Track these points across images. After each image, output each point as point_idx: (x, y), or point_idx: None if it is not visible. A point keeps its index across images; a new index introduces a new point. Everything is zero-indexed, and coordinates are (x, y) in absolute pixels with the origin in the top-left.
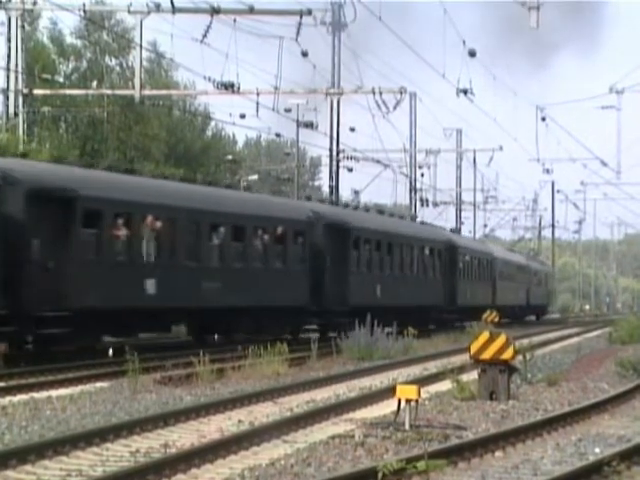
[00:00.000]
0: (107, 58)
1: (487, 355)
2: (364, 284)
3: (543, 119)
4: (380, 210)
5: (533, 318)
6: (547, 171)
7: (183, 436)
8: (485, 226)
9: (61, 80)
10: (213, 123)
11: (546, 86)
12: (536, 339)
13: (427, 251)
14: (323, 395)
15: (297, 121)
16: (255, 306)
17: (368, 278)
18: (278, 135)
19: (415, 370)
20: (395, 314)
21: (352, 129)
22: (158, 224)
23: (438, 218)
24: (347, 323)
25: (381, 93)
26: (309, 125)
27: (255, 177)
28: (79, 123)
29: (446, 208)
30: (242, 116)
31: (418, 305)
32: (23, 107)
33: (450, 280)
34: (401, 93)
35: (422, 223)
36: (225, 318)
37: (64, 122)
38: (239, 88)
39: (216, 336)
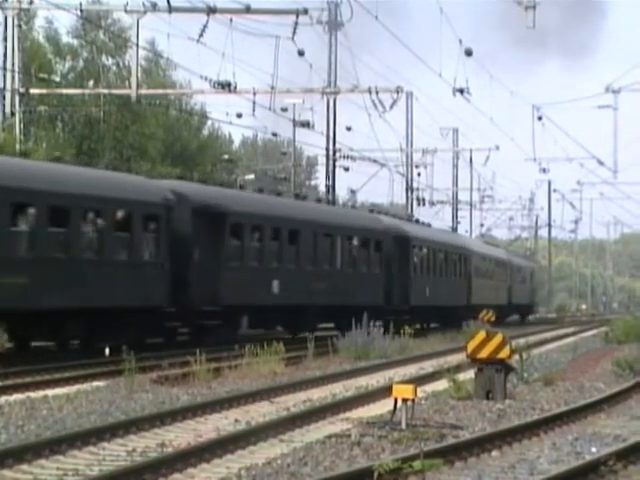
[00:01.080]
0: (104, 57)
1: (484, 354)
2: (249, 278)
3: (539, 118)
4: (278, 193)
5: (525, 320)
6: (543, 170)
7: (180, 435)
8: (482, 225)
9: (58, 79)
10: (209, 122)
11: (543, 85)
12: (532, 338)
13: (356, 242)
14: (320, 394)
15: (293, 120)
16: (86, 307)
17: (256, 272)
18: (274, 134)
19: (411, 369)
20: (297, 314)
21: (348, 128)
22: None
23: (435, 217)
24: (218, 326)
25: (377, 92)
26: (305, 124)
27: (252, 176)
28: (76, 122)
29: (443, 207)
30: (239, 115)
31: (341, 305)
32: (20, 106)
33: (398, 276)
34: (397, 92)
35: (371, 211)
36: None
37: (61, 121)
38: (235, 87)
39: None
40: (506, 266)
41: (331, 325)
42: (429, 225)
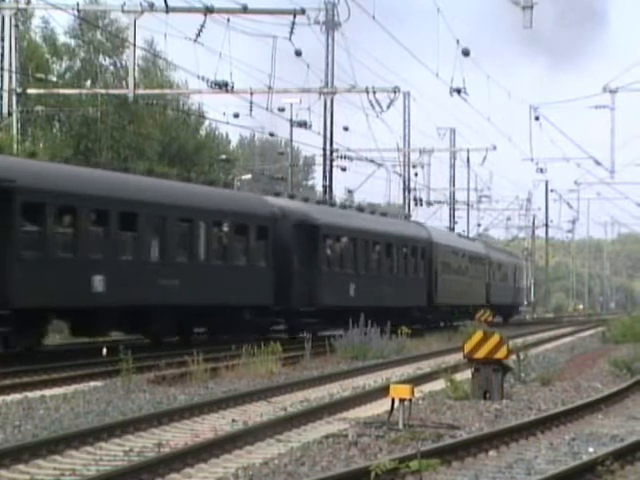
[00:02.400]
0: (101, 57)
1: (481, 354)
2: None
3: (537, 118)
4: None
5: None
6: (541, 170)
7: (177, 435)
8: (479, 225)
9: (55, 79)
10: (207, 122)
11: (540, 85)
12: (530, 338)
13: (227, 227)
14: (317, 394)
15: (291, 120)
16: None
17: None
18: (272, 134)
19: (409, 369)
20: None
21: (346, 128)
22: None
23: (432, 217)
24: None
25: (375, 92)
26: (303, 124)
27: (249, 176)
28: (73, 122)
29: (440, 207)
30: (236, 115)
31: (204, 305)
32: (17, 106)
33: (301, 272)
34: (395, 92)
35: (277, 194)
36: None
37: (58, 121)
38: (233, 87)
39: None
40: (484, 262)
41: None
42: (384, 214)
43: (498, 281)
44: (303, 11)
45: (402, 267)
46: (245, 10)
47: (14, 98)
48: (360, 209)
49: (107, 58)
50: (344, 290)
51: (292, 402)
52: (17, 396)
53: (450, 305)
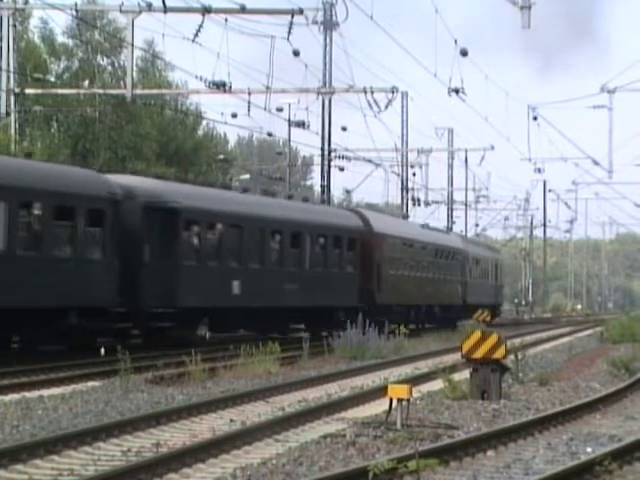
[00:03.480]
0: (99, 57)
1: (479, 354)
2: None
3: (535, 118)
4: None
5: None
6: (539, 170)
7: (175, 435)
8: (477, 225)
9: (53, 79)
10: (205, 122)
11: (538, 85)
12: (528, 338)
13: (40, 211)
14: (315, 394)
15: (289, 120)
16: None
17: None
18: (270, 134)
19: (407, 369)
20: None
21: (344, 128)
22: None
23: (430, 217)
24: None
25: (373, 92)
26: (301, 124)
27: (247, 176)
28: (71, 122)
29: (438, 207)
30: (234, 115)
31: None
32: (15, 106)
33: (156, 265)
34: (392, 92)
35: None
36: None
37: (56, 121)
38: (231, 87)
39: None
40: (459, 257)
41: None
42: (306, 199)
43: (477, 278)
44: (301, 11)
45: (318, 261)
46: (243, 10)
47: (12, 98)
48: (269, 193)
49: (105, 58)
50: (223, 288)
51: (290, 402)
52: (15, 396)
53: (405, 305)
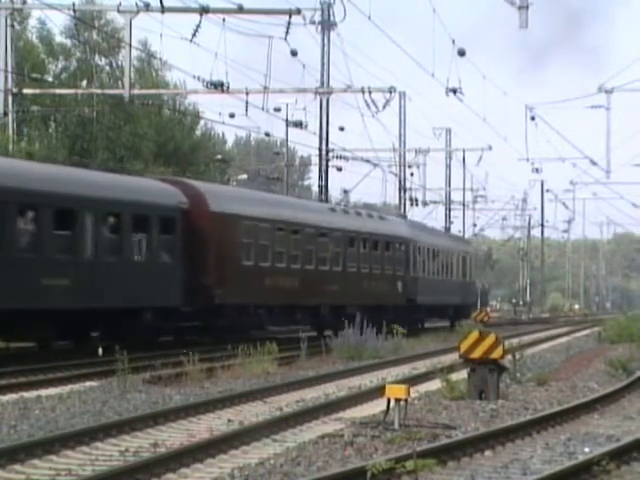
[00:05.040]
0: (97, 57)
1: (477, 354)
2: None
3: (532, 118)
4: None
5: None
6: (536, 170)
7: (173, 435)
8: (474, 225)
9: (50, 79)
10: (202, 122)
11: (535, 85)
12: (526, 338)
13: None
14: (312, 394)
15: (286, 120)
16: None
17: None
18: (267, 134)
19: (404, 369)
20: None
21: (341, 128)
22: None
23: (427, 217)
24: None
25: (370, 92)
26: (298, 124)
27: (244, 176)
28: (69, 122)
29: (436, 207)
30: (231, 115)
31: None
32: (12, 106)
33: None
34: (390, 92)
35: None
36: None
37: (54, 121)
38: (228, 87)
39: None
40: (396, 246)
41: None
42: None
43: (433, 274)
44: (299, 11)
45: (106, 247)
46: (241, 10)
47: (10, 98)
48: None
49: (103, 58)
50: None
51: (288, 402)
52: (13, 396)
53: (280, 306)
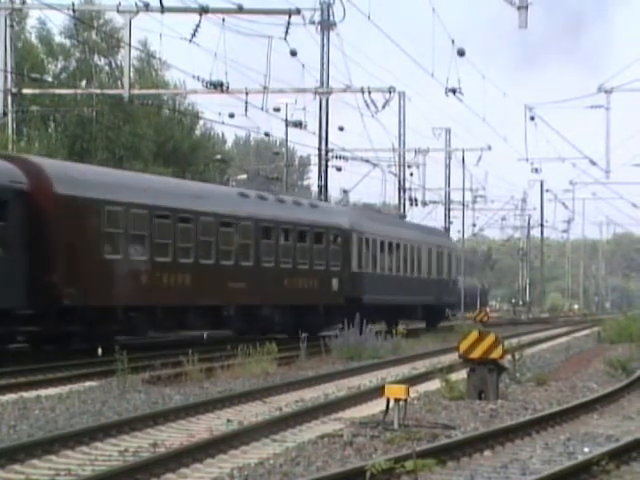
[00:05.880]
0: (96, 57)
1: (476, 354)
2: None
3: (532, 118)
4: None
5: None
6: (536, 170)
7: (172, 435)
8: (474, 225)
9: (50, 79)
10: (202, 122)
11: (535, 85)
12: (525, 338)
13: None
14: (312, 394)
15: (286, 120)
16: None
17: None
18: (267, 134)
19: (404, 369)
20: None
21: (341, 128)
22: None
23: (427, 217)
24: None
25: (370, 92)
26: (298, 124)
27: (244, 176)
28: (68, 122)
29: (435, 207)
30: (231, 115)
31: None
32: (12, 106)
33: None
34: (390, 92)
35: None
36: None
37: (53, 121)
38: (228, 87)
39: None
40: (329, 238)
41: None
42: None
43: (389, 270)
44: (298, 11)
45: None
46: (240, 10)
47: (9, 98)
48: None
49: (102, 58)
50: None
51: (287, 402)
52: (13, 396)
53: (165, 308)
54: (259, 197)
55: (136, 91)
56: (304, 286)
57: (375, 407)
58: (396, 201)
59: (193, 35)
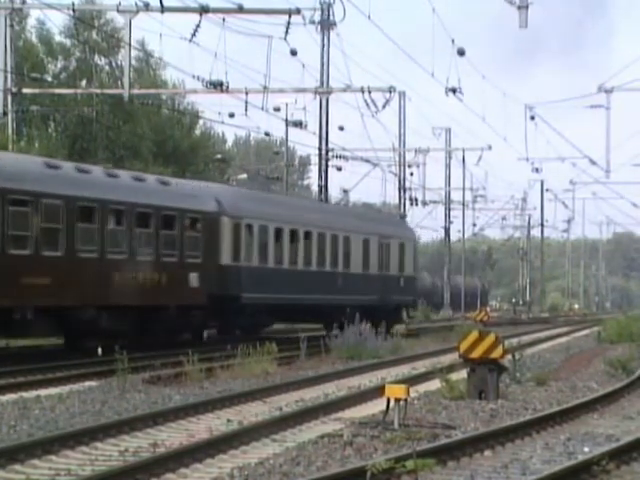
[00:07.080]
0: (96, 57)
1: (476, 354)
2: None
3: (532, 118)
4: None
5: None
6: (536, 170)
7: (172, 435)
8: (474, 225)
9: (50, 79)
10: (202, 122)
11: (535, 85)
12: (525, 338)
13: None
14: (312, 394)
15: (286, 120)
16: None
17: None
18: (267, 134)
19: (404, 369)
20: None
21: (341, 128)
22: None
23: (427, 217)
24: None
25: (370, 92)
26: (298, 124)
27: (244, 176)
28: (68, 122)
29: (435, 207)
30: (231, 115)
31: None
32: (12, 106)
33: None
34: (390, 92)
35: None
36: None
37: (53, 121)
38: (228, 87)
39: None
40: (185, 223)
41: None
42: None
43: (291, 264)
44: (298, 11)
45: None
46: (240, 10)
47: (9, 98)
48: None
49: (102, 58)
50: None
51: (287, 402)
52: (12, 396)
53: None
54: (78, 170)
55: (136, 91)
56: (144, 282)
57: (375, 407)
58: (396, 201)
59: (193, 35)
